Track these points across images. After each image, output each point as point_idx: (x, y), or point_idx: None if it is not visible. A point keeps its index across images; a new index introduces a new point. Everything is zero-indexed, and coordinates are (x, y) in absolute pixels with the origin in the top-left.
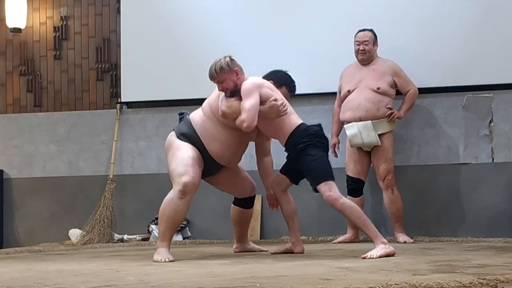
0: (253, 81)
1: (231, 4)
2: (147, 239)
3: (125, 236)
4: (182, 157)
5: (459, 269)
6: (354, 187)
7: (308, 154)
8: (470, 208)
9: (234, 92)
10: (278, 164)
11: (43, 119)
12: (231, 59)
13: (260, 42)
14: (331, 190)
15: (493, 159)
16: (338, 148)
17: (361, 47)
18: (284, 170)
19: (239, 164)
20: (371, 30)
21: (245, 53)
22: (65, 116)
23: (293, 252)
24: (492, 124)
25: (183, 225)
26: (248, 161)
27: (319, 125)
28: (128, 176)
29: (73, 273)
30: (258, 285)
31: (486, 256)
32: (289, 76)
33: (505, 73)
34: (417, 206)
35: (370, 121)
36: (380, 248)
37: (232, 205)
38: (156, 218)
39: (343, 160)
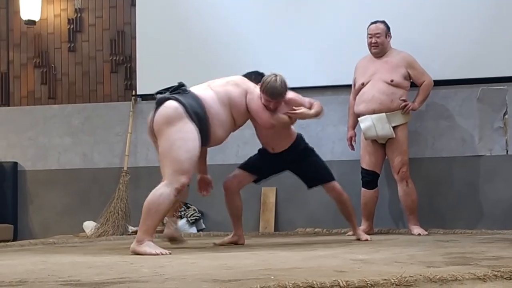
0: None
1: None
2: (161, 231)
3: None
4: (192, 153)
5: (474, 261)
6: (369, 180)
7: (315, 156)
8: (484, 200)
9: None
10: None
11: (57, 111)
12: None
13: (274, 34)
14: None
15: (507, 151)
16: (355, 141)
17: (373, 40)
18: (255, 168)
19: None
20: (383, 22)
21: (258, 46)
22: (80, 108)
23: (237, 244)
24: (506, 116)
25: (197, 217)
26: None
27: None
28: (143, 168)
29: (87, 265)
30: (272, 277)
31: (501, 248)
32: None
33: None
34: (432, 198)
35: (384, 114)
36: (362, 235)
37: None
38: None
39: (358, 152)
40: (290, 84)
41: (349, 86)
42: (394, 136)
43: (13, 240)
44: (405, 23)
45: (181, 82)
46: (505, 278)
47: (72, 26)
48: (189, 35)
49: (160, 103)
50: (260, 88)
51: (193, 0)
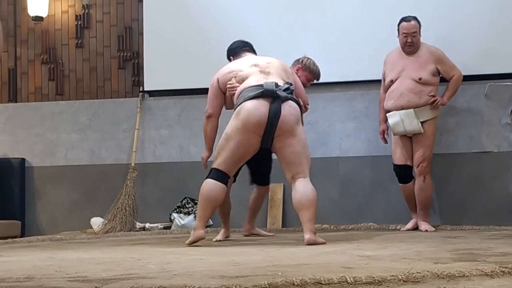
0: None
1: None
2: (169, 227)
3: (147, 225)
4: None
5: (481, 258)
6: (403, 174)
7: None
8: (492, 197)
9: None
10: None
11: (65, 108)
12: None
13: (282, 30)
14: None
15: None
16: (387, 134)
17: (409, 39)
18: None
19: None
20: (415, 18)
21: (267, 41)
22: (87, 105)
23: (227, 238)
24: None
25: None
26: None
27: None
28: (150, 165)
29: (94, 261)
30: (279, 273)
31: (508, 244)
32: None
33: None
34: (439, 195)
35: (412, 109)
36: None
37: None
38: (178, 207)
39: (364, 149)
40: None
41: (357, 82)
42: (422, 131)
43: (21, 236)
44: None
45: (289, 81)
46: None
47: (79, 22)
48: (196, 31)
49: (282, 100)
50: (305, 68)
51: None
